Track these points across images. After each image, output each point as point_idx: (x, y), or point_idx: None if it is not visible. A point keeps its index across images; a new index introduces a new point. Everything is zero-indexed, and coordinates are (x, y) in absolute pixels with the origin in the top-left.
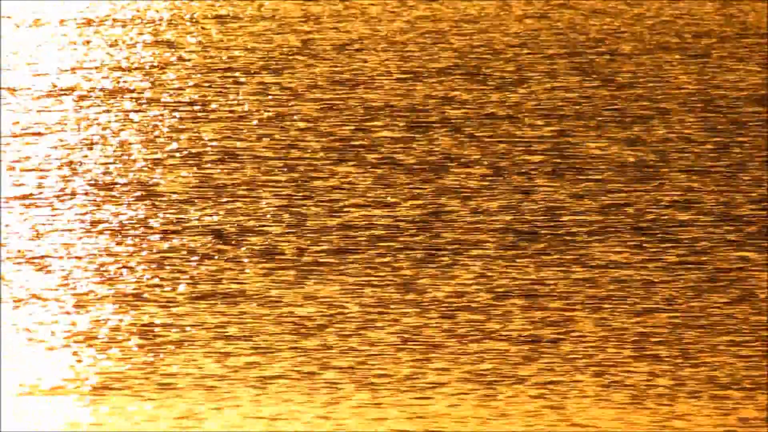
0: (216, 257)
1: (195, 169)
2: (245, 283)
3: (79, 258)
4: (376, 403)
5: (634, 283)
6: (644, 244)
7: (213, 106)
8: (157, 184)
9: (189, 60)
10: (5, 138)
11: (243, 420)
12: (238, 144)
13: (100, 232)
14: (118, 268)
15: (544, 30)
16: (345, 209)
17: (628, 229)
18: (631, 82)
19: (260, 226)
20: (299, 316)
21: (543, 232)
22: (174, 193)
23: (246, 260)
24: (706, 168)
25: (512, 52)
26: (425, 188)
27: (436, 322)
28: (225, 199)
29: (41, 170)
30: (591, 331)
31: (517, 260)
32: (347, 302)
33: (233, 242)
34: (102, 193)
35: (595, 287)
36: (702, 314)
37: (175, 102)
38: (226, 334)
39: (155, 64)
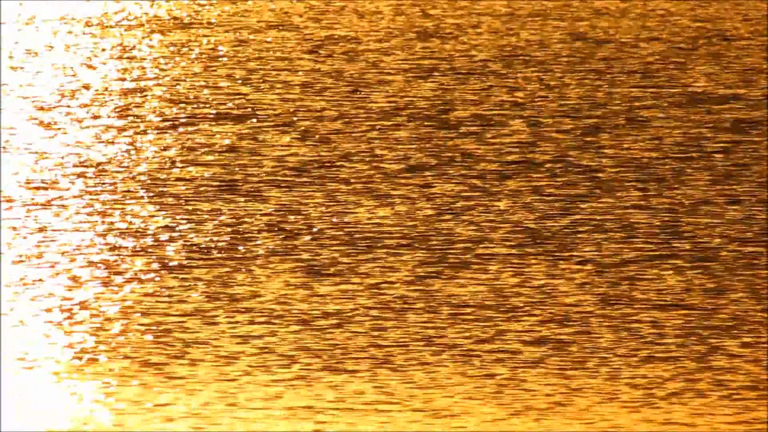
0: (230, 256)
1: (207, 167)
2: (258, 283)
3: (89, 258)
4: (387, 402)
5: (647, 283)
6: (656, 243)
7: (228, 104)
8: (170, 184)
9: (200, 59)
10: (13, 137)
11: (254, 419)
12: (250, 143)
13: (111, 230)
14: (129, 268)
15: (555, 30)
16: (356, 208)
17: (641, 228)
18: (642, 81)
19: (271, 225)
20: (310, 316)
21: (555, 230)
22: (186, 191)
23: (258, 260)
24: (718, 167)
25: (524, 51)
26: (437, 188)
27: (448, 322)
28: (238, 199)
29: (51, 169)
30: (603, 330)
31: (530, 259)
32: (358, 302)
33: (246, 241)
34: (113, 191)
35: (608, 286)
36: (714, 313)
37: (186, 101)
38: (239, 334)
39: (166, 63)
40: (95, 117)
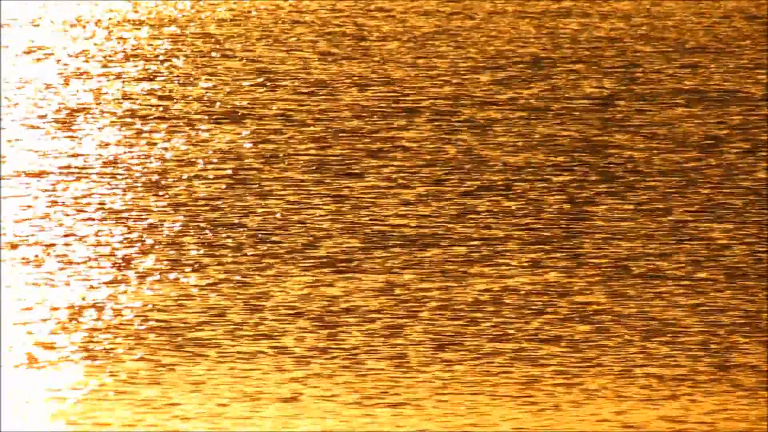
0: (245, 255)
1: (219, 166)
2: (273, 282)
3: (100, 258)
4: (402, 402)
5: (657, 281)
6: (666, 242)
7: (245, 104)
8: (182, 183)
9: (218, 60)
10: (20, 137)
11: (269, 417)
12: (262, 141)
13: (129, 232)
14: (144, 269)
15: (563, 29)
16: (366, 208)
17: (649, 227)
18: (646, 82)
19: (282, 225)
20: (320, 316)
21: (567, 229)
22: (199, 190)
23: (273, 258)
24: (725, 166)
25: (530, 52)
26: (446, 188)
27: (457, 322)
28: (250, 197)
29: (58, 167)
30: (618, 328)
31: (539, 258)
32: (370, 302)
33: (263, 241)
34: (126, 190)
35: (618, 284)
36: (724, 311)
37: (196, 99)
38: (250, 333)
39: (182, 65)
40: (106, 116)
